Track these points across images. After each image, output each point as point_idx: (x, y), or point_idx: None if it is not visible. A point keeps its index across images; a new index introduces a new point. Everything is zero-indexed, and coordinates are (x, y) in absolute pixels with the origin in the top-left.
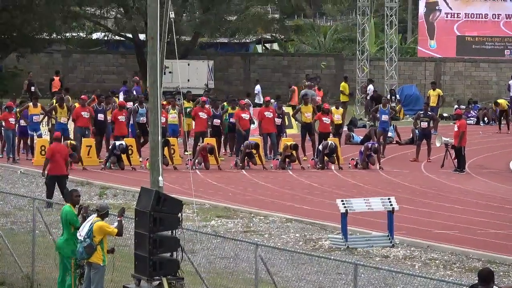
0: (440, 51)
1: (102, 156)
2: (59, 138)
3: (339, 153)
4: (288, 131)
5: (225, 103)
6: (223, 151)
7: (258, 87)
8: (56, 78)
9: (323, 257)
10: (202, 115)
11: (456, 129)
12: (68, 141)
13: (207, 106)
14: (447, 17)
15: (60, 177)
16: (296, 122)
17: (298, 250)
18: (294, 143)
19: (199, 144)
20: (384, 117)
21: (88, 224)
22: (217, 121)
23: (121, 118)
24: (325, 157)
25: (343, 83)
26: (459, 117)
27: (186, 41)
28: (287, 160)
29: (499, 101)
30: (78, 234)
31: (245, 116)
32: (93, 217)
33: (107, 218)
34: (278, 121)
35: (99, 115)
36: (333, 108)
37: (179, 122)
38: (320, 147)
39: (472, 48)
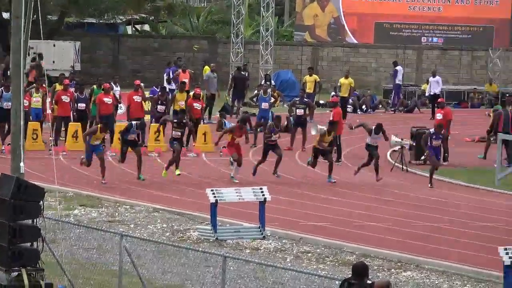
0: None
1: None
2: None
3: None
4: None
5: (94, 86)
6: None
7: None
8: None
9: (190, 249)
10: (65, 98)
11: (331, 118)
12: None
13: (70, 89)
14: None
15: None
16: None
17: (165, 241)
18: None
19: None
20: (264, 105)
21: None
22: (81, 106)
23: None
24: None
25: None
26: (335, 104)
27: (52, 20)
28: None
29: None
30: None
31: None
32: None
33: None
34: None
35: None
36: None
37: (42, 106)
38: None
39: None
